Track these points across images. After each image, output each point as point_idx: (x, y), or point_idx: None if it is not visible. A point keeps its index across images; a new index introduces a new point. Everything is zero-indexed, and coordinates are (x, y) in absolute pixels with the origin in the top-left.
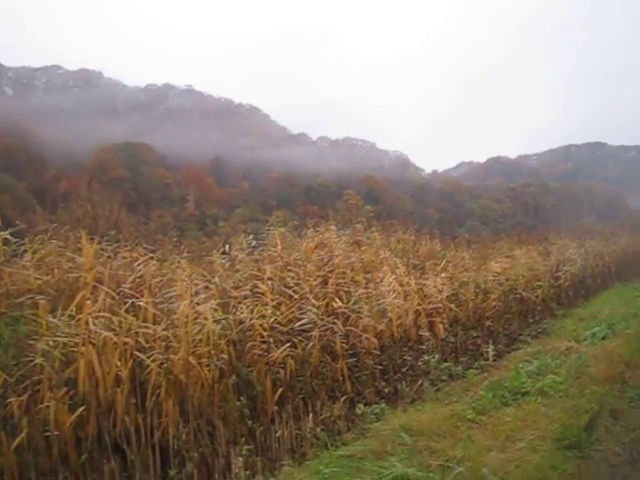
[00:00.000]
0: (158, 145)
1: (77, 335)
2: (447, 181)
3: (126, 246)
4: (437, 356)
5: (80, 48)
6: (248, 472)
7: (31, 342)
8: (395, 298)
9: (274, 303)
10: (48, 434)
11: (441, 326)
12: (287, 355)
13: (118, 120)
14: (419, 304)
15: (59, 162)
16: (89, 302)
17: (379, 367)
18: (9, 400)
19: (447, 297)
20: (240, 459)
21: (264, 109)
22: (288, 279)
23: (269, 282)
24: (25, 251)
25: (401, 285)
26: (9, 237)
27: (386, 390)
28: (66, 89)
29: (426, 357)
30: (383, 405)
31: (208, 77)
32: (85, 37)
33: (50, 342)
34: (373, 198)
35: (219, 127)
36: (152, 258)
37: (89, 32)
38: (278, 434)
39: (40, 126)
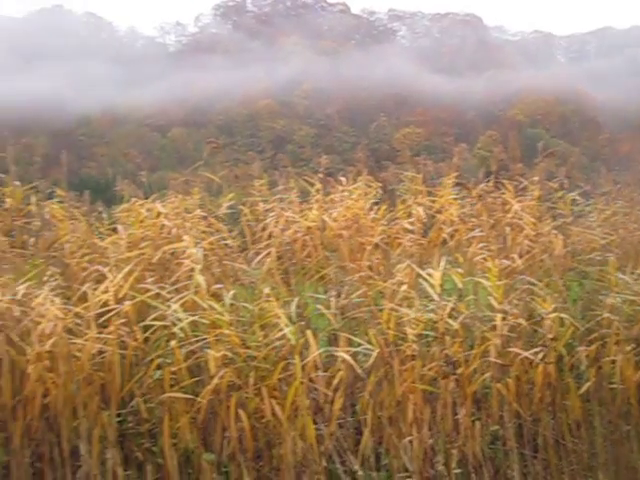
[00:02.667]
0: None
1: None
2: None
3: None
4: None
5: None
6: None
7: (599, 297)
8: None
9: None
10: (613, 386)
11: None
12: None
13: None
14: None
15: (613, 124)
16: None
17: None
18: (577, 349)
19: None
20: None
21: None
22: None
23: None
24: (590, 211)
25: None
26: (577, 198)
27: None
28: (617, 49)
29: None
30: None
31: None
32: None
33: (619, 298)
34: None
35: None
36: None
37: None
38: None
39: (593, 90)
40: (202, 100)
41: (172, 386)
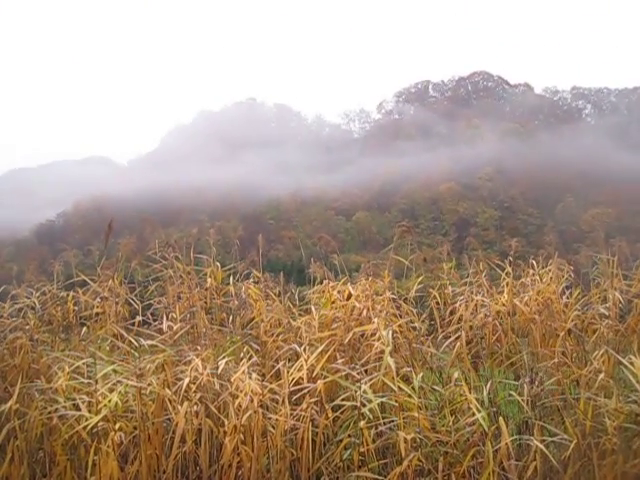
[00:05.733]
0: None
1: None
2: None
3: None
4: None
5: None
6: None
7: None
8: None
9: None
10: None
11: None
12: None
13: None
14: None
15: None
16: None
17: None
18: None
19: None
20: None
21: None
22: None
23: None
24: None
25: None
26: None
27: None
28: None
29: None
30: None
31: None
32: None
33: None
34: None
35: None
36: None
37: None
38: None
39: None
40: (386, 184)
41: (360, 467)
